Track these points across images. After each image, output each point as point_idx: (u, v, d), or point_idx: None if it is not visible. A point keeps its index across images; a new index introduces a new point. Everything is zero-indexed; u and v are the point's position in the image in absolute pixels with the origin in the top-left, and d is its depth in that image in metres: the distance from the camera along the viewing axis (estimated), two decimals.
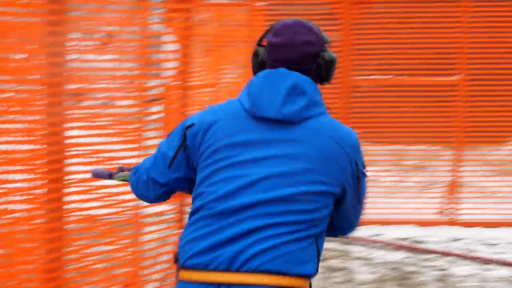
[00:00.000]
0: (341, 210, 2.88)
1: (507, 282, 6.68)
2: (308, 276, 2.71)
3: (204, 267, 2.66)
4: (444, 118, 8.97)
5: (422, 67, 8.95)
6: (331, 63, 2.83)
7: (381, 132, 9.07)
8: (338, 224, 2.94)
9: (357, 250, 7.78)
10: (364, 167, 2.90)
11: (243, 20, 9.78)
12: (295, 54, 2.80)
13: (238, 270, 2.63)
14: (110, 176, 3.27)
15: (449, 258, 7.46)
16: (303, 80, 2.76)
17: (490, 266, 7.18)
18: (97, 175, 3.41)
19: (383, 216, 8.96)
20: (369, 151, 9.36)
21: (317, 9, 9.22)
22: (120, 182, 3.31)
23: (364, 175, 2.90)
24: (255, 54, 2.89)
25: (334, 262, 7.27)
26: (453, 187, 8.98)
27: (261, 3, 9.84)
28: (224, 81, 8.39)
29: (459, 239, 8.30)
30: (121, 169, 3.18)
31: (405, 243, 8.06)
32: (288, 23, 2.85)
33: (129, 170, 3.12)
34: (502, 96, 8.90)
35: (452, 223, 8.86)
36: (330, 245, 7.98)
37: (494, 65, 8.83)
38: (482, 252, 7.76)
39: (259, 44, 2.90)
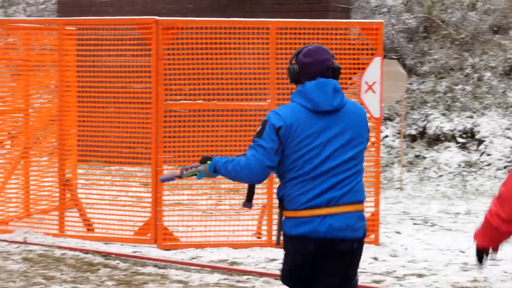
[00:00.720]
0: None
1: None
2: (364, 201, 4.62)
3: (315, 206, 4.41)
4: None
5: (235, 92, 9.11)
6: (339, 70, 4.58)
7: (196, 156, 9.12)
8: None
9: (174, 273, 7.75)
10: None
11: (53, 45, 9.60)
12: (322, 67, 4.51)
13: (334, 205, 4.42)
14: (179, 177, 4.81)
15: (265, 278, 7.58)
16: (335, 82, 4.51)
17: None
18: (165, 180, 5.09)
19: (200, 239, 9.02)
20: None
21: (128, 34, 9.19)
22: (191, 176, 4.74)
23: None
24: (293, 70, 4.55)
25: (151, 286, 7.21)
26: (267, 209, 9.16)
27: (71, 28, 9.70)
28: (36, 106, 8.19)
29: (274, 260, 8.47)
30: (184, 168, 4.76)
31: (221, 265, 8.13)
32: (312, 48, 4.57)
33: (195, 167, 4.71)
34: None
35: (266, 244, 9.04)
36: (147, 269, 7.92)
37: None
38: None
39: (291, 63, 4.56)
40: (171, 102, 8.92)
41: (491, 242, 4.49)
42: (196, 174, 4.73)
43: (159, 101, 8.81)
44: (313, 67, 4.49)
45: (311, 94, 4.44)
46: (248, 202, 4.77)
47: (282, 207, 4.52)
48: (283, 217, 4.52)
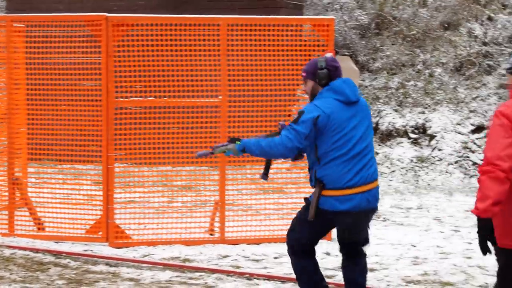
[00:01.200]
0: None
1: None
2: None
3: (356, 185, 5.69)
4: (208, 139, 9.13)
5: (186, 89, 9.08)
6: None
7: (148, 154, 9.09)
8: None
9: (125, 271, 7.71)
10: None
11: (1, 42, 9.47)
12: (341, 71, 5.84)
13: (369, 182, 5.76)
14: (211, 153, 5.94)
15: (217, 275, 7.58)
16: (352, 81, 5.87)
17: (256, 281, 7.37)
18: (201, 156, 5.94)
19: (152, 237, 8.99)
20: (135, 172, 9.37)
21: (77, 31, 9.11)
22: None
23: None
24: (326, 73, 5.72)
25: (102, 284, 7.16)
26: (220, 206, 9.15)
27: (20, 25, 9.58)
28: None
29: (227, 256, 8.47)
30: (216, 146, 5.88)
31: (173, 262, 8.10)
32: (332, 57, 5.89)
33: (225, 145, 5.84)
34: (259, 117, 9.22)
35: (219, 241, 9.03)
36: (98, 267, 7.86)
37: (250, 87, 9.15)
38: (249, 268, 7.95)
39: (321, 68, 5.74)
40: (121, 99, 8.87)
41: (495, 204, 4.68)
42: (225, 152, 5.85)
43: (110, 98, 8.75)
44: (338, 71, 5.80)
45: (343, 89, 5.69)
46: (265, 175, 6.12)
47: (322, 187, 5.67)
48: (321, 196, 5.69)
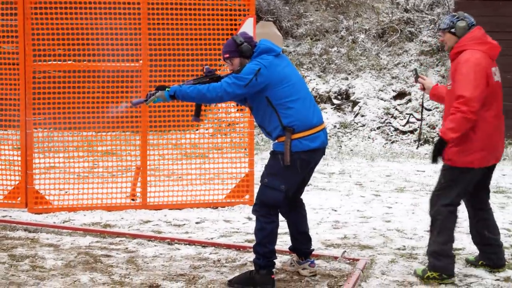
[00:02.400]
0: None
1: (193, 260, 6.88)
2: None
3: (318, 123, 6.09)
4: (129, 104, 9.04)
5: (106, 53, 8.95)
6: None
7: (69, 119, 8.95)
8: None
9: (45, 237, 7.61)
10: None
11: None
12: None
13: (322, 122, 6.15)
14: (145, 101, 6.21)
15: (138, 240, 7.54)
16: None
17: (178, 246, 7.36)
18: (135, 104, 6.28)
19: (72, 202, 8.89)
20: (55, 137, 9.23)
21: None
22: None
23: None
24: (246, 47, 6.18)
25: (20, 250, 7.06)
26: (141, 171, 9.09)
27: None
28: None
29: (148, 222, 8.43)
30: (149, 95, 6.23)
31: (94, 228, 8.03)
32: (242, 31, 6.49)
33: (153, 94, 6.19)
34: (180, 82, 9.15)
35: (140, 206, 8.99)
36: (16, 233, 7.75)
37: (171, 51, 9.08)
38: (170, 233, 7.94)
39: (241, 44, 6.19)
40: (39, 63, 8.69)
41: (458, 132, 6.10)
42: (154, 100, 6.13)
43: (27, 61, 8.57)
44: (252, 39, 6.23)
45: (269, 45, 6.10)
46: (197, 117, 6.38)
47: (292, 131, 5.96)
48: (292, 140, 5.96)
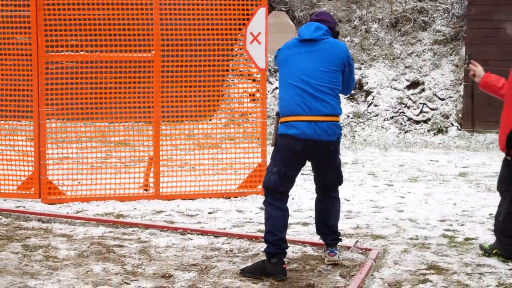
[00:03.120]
0: None
1: (206, 250, 6.89)
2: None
3: (301, 113, 6.06)
4: (142, 94, 9.06)
5: (119, 43, 8.95)
6: None
7: (82, 109, 8.97)
8: None
9: (58, 227, 7.64)
10: None
11: None
12: (317, 17, 6.40)
13: (316, 115, 6.06)
14: None
15: (150, 230, 7.56)
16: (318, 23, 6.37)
17: (190, 236, 7.37)
18: None
19: (86, 193, 8.92)
20: (70, 127, 9.25)
21: None
22: None
23: None
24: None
25: (34, 240, 7.09)
26: (154, 162, 9.11)
27: None
28: None
29: (161, 212, 8.45)
30: None
31: (107, 218, 8.05)
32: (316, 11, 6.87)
33: None
34: (192, 72, 9.17)
35: (153, 197, 9.00)
36: (30, 224, 7.78)
37: (183, 41, 9.08)
38: (183, 223, 7.95)
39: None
40: (52, 53, 8.70)
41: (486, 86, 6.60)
42: None
43: (40, 52, 8.59)
44: (312, 17, 6.45)
45: (300, 30, 6.31)
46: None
47: (278, 115, 6.23)
48: (279, 124, 6.21)
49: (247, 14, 9.14)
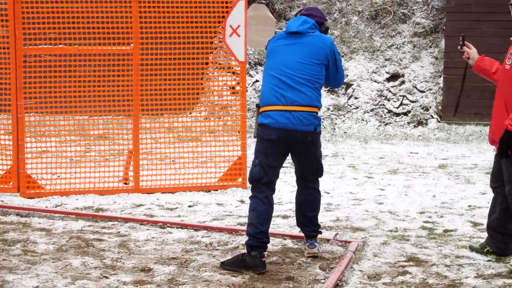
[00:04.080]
0: None
1: (185, 243, 6.88)
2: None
3: (276, 103, 6.13)
4: (121, 87, 9.02)
5: (97, 36, 8.91)
6: None
7: (61, 103, 8.92)
8: None
9: (37, 221, 7.60)
10: None
11: None
12: (306, 11, 6.48)
13: (292, 105, 6.10)
14: None
15: (130, 224, 7.53)
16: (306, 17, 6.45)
17: (170, 230, 7.35)
18: None
19: (65, 187, 8.88)
20: (49, 121, 9.20)
21: None
22: None
23: None
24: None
25: (12, 235, 7.04)
26: (134, 155, 9.07)
27: None
28: None
29: (140, 205, 8.43)
30: None
31: (86, 212, 8.02)
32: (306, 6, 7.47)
33: None
34: (172, 65, 9.14)
35: (133, 190, 8.98)
36: (8, 218, 7.74)
37: (162, 35, 9.05)
38: (162, 216, 7.93)
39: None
40: (30, 47, 8.65)
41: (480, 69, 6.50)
42: None
43: (18, 45, 8.53)
44: (301, 11, 6.53)
45: (288, 23, 6.39)
46: None
47: (258, 106, 6.35)
48: (259, 114, 6.31)
49: (227, 7, 9.11)
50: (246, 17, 9.06)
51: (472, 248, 6.67)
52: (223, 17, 9.10)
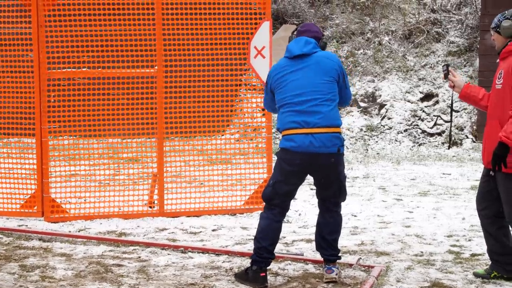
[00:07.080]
0: None
1: (205, 268, 6.77)
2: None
3: (297, 127, 6.05)
4: (146, 110, 8.98)
5: (121, 59, 8.89)
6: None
7: (84, 126, 8.91)
8: None
9: (58, 246, 7.55)
10: None
11: None
12: (305, 34, 6.36)
13: (313, 127, 6.01)
14: None
15: (151, 248, 7.45)
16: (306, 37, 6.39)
17: (191, 254, 7.25)
18: None
19: (89, 211, 8.83)
20: (73, 145, 9.18)
21: (6, 1, 8.85)
22: None
23: None
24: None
25: (32, 260, 6.99)
26: (158, 179, 9.01)
27: None
28: None
29: (164, 229, 8.35)
30: None
31: (109, 236, 7.96)
32: (302, 24, 6.49)
33: None
34: (196, 87, 9.08)
35: (158, 214, 8.90)
36: (31, 243, 7.71)
37: (186, 57, 9.00)
38: (185, 241, 7.83)
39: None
40: (54, 70, 8.65)
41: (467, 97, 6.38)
42: None
43: (42, 69, 8.54)
44: (299, 34, 6.40)
45: (289, 46, 6.27)
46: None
47: (279, 130, 6.28)
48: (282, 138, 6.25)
49: (251, 28, 9.04)
50: (271, 38, 8.97)
51: (477, 275, 6.43)
52: (247, 38, 9.01)
